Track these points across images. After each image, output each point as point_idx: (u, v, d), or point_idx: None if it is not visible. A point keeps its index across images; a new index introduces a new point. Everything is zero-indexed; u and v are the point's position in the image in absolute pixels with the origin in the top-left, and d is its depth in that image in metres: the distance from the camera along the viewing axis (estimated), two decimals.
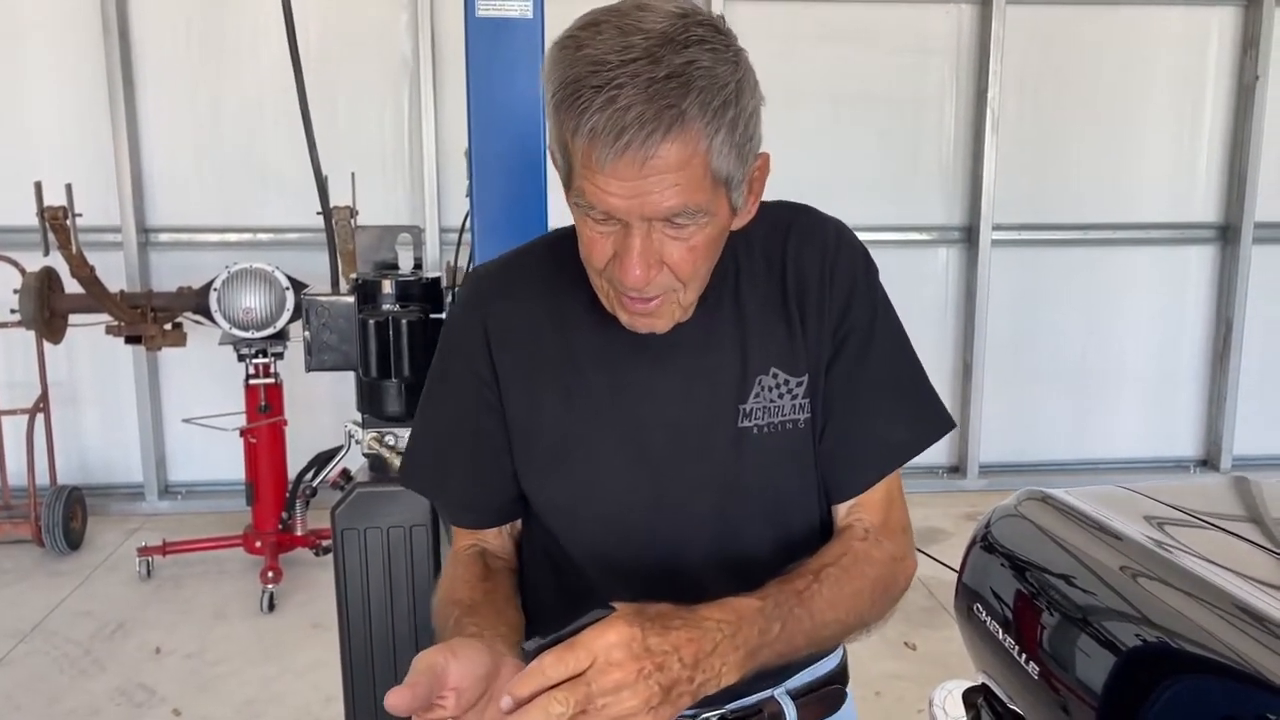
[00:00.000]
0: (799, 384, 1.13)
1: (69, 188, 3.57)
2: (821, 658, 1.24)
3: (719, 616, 0.93)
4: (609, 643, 0.84)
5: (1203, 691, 1.28)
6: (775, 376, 1.13)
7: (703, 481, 1.14)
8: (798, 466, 1.15)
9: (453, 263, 2.41)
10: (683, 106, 0.92)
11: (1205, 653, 1.26)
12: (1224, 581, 1.35)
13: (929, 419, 1.21)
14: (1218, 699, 1.26)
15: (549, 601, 1.19)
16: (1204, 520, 1.62)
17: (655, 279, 1.01)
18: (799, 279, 1.14)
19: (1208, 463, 5.54)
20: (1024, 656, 1.51)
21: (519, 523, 1.26)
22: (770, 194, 1.14)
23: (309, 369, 2.18)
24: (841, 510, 1.18)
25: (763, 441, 1.13)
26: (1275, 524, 1.73)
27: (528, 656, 0.86)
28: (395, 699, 0.86)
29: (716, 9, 4.84)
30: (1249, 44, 5.16)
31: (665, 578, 1.12)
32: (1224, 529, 1.60)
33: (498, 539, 1.26)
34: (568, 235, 1.17)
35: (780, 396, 1.13)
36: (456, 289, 2.30)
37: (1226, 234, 5.35)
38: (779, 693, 1.20)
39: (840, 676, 1.29)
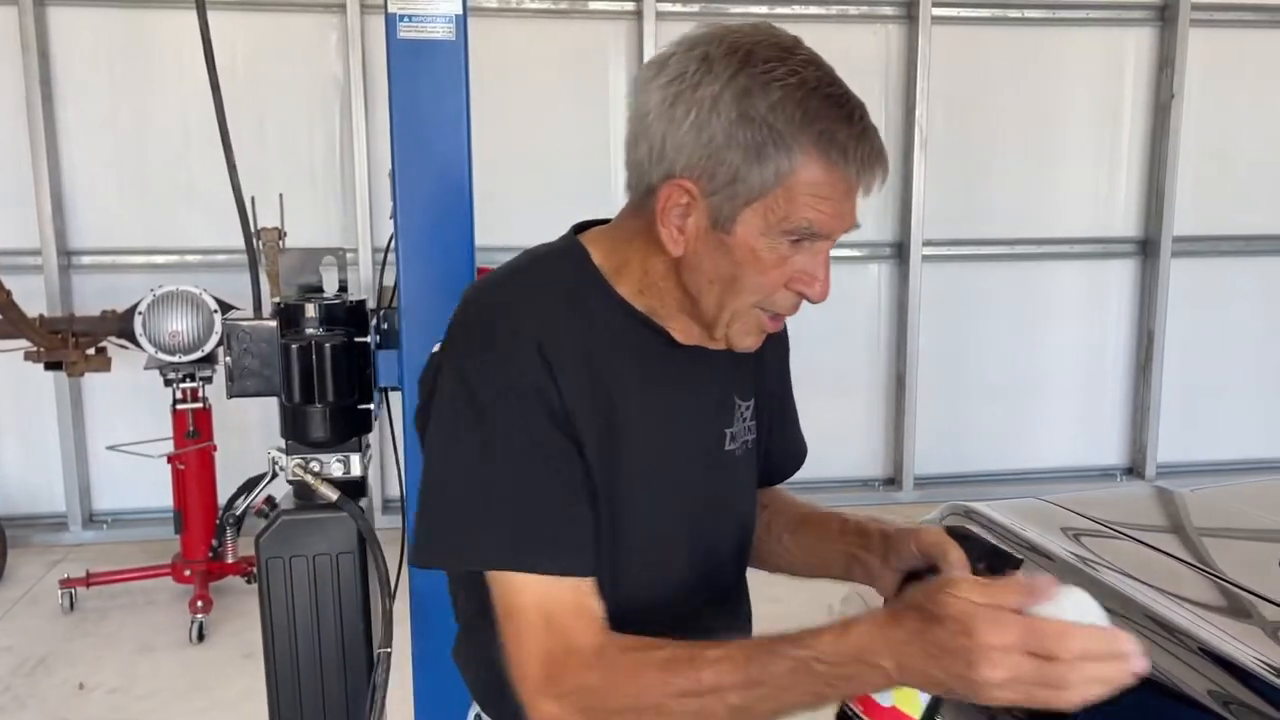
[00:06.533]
0: (748, 407, 1.23)
1: None
2: None
3: None
4: None
5: (1124, 707, 1.31)
6: (741, 403, 1.22)
7: (708, 501, 1.18)
8: (753, 483, 1.27)
9: (377, 283, 2.39)
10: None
11: None
12: (1140, 594, 1.38)
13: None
14: (1138, 713, 1.28)
15: None
16: (1120, 532, 1.66)
17: None
18: None
19: (1133, 470, 5.67)
20: None
21: None
22: None
23: (230, 395, 2.12)
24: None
25: (739, 463, 1.22)
26: (1182, 534, 1.78)
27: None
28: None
29: (649, 28, 4.87)
30: (1164, 63, 5.32)
31: (653, 596, 1.14)
32: (1139, 540, 1.63)
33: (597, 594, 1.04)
34: (555, 259, 1.12)
35: (743, 420, 1.22)
36: (384, 311, 2.27)
37: (1146, 248, 5.50)
38: None
39: None
